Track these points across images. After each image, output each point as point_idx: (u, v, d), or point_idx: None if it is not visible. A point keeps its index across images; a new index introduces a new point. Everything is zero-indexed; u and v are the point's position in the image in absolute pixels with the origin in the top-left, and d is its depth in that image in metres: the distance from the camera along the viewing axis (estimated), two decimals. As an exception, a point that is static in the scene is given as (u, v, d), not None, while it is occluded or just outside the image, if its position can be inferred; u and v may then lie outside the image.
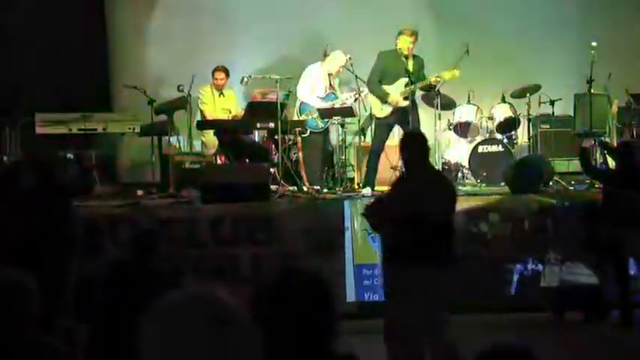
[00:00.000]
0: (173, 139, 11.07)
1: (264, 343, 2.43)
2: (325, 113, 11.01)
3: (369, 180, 10.51)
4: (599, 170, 9.99)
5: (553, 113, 11.81)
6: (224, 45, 12.63)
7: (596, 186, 9.93)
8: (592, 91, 10.59)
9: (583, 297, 8.83)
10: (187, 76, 10.80)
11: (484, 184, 10.99)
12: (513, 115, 11.55)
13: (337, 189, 10.61)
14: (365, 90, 10.76)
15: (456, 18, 12.75)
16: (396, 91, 10.36)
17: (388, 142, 10.73)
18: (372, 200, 7.60)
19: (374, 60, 10.64)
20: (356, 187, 10.98)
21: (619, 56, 12.10)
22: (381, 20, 11.94)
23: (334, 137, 11.38)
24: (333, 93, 11.24)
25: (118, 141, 12.22)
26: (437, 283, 6.44)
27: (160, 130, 11.08)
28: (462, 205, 9.36)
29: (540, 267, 9.23)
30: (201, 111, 11.49)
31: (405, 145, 6.83)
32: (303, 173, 11.02)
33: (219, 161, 11.16)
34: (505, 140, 11.48)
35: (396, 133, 10.74)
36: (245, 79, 11.18)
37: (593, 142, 10.65)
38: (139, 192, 10.77)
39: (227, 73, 11.48)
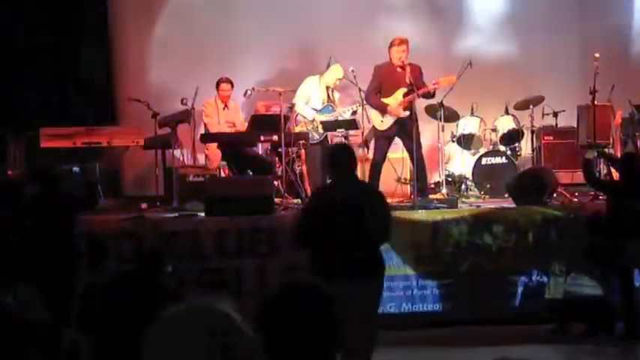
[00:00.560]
0: (177, 152, 11.08)
1: (267, 355, 2.43)
2: (328, 126, 11.02)
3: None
4: (602, 182, 9.98)
5: (556, 125, 11.81)
6: (227, 58, 12.65)
7: (600, 197, 9.92)
8: (595, 102, 10.59)
9: (588, 308, 8.81)
10: (191, 89, 10.83)
11: (488, 196, 10.99)
12: (517, 127, 11.56)
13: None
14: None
15: (458, 30, 12.77)
16: (395, 102, 10.35)
17: (390, 155, 10.74)
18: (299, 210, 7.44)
19: (376, 72, 10.64)
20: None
21: (622, 67, 12.12)
22: (383, 33, 11.95)
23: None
24: (331, 105, 11.26)
25: (122, 154, 12.23)
26: (363, 298, 6.23)
27: (164, 144, 11.10)
28: (466, 216, 9.40)
29: (544, 278, 9.21)
30: (205, 124, 11.50)
31: (331, 158, 6.76)
32: (306, 186, 11.03)
33: (222, 174, 11.17)
34: (509, 152, 11.48)
35: (399, 146, 10.76)
36: (248, 92, 11.20)
37: (596, 153, 10.63)
38: (143, 205, 10.79)
39: (232, 85, 11.51)
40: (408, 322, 9.17)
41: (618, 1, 13.29)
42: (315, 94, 11.28)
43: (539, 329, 8.88)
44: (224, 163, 11.26)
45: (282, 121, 10.47)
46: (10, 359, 3.53)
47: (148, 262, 6.35)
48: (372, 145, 11.48)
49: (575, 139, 11.28)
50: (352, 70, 10.71)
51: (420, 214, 9.41)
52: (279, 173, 10.74)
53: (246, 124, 11.25)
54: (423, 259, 9.28)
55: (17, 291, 3.75)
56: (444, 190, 10.79)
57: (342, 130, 10.91)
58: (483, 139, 11.70)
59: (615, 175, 10.11)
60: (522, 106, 11.61)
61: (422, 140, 10.54)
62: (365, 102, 10.59)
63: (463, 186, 11.59)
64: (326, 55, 11.50)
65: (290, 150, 10.87)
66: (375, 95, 10.48)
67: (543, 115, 11.69)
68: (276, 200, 10.15)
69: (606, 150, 10.68)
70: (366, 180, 10.62)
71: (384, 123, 10.47)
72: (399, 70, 10.32)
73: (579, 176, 10.38)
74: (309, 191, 10.86)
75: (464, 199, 10.81)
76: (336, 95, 11.43)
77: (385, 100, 10.40)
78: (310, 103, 11.25)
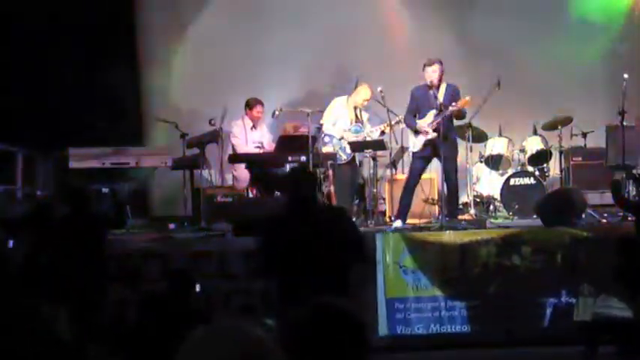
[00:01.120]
0: (205, 173, 11.12)
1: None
2: (356, 146, 11.03)
3: (402, 213, 10.48)
4: (631, 202, 9.90)
5: (585, 145, 11.77)
6: (255, 78, 12.70)
7: (629, 218, 9.85)
8: (624, 123, 10.53)
9: (617, 331, 8.72)
10: (219, 110, 10.88)
11: (516, 217, 10.94)
12: (545, 148, 11.52)
13: (369, 222, 10.59)
14: (395, 121, 10.78)
15: (486, 51, 12.76)
16: (424, 123, 10.34)
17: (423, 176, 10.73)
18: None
19: (405, 93, 10.64)
20: (387, 220, 10.97)
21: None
22: (412, 54, 11.98)
23: (366, 170, 11.39)
24: (359, 126, 11.27)
25: (150, 175, 12.28)
26: None
27: (192, 164, 11.13)
28: (494, 237, 9.36)
29: (573, 300, 9.15)
30: (233, 145, 11.54)
31: (293, 181, 6.64)
32: (334, 206, 11.02)
33: (250, 195, 11.19)
34: (537, 173, 11.43)
35: (428, 167, 10.73)
36: (276, 113, 11.22)
37: (625, 174, 10.57)
38: (171, 225, 10.82)
39: (263, 105, 11.57)
40: (436, 343, 9.13)
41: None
42: (342, 114, 11.30)
43: (568, 351, 8.80)
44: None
45: (310, 141, 10.49)
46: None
47: (177, 282, 6.38)
48: (399, 165, 11.49)
49: (603, 160, 11.23)
50: (381, 91, 10.71)
51: (448, 235, 9.37)
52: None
53: (274, 144, 11.28)
54: (451, 281, 9.25)
55: (46, 309, 3.78)
56: (472, 211, 10.77)
57: (370, 150, 10.90)
58: (511, 160, 11.67)
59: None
60: (551, 126, 11.57)
61: (451, 160, 10.52)
62: (404, 123, 10.61)
63: (491, 206, 11.56)
64: (353, 76, 11.52)
65: (318, 170, 10.87)
66: (411, 116, 10.48)
67: (572, 135, 11.66)
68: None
69: (635, 171, 10.63)
70: (397, 199, 10.63)
71: (415, 145, 10.45)
72: (430, 90, 10.31)
73: (608, 197, 10.32)
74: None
75: (492, 220, 10.78)
76: (365, 115, 11.44)
77: (418, 122, 10.40)
78: (338, 123, 11.27)
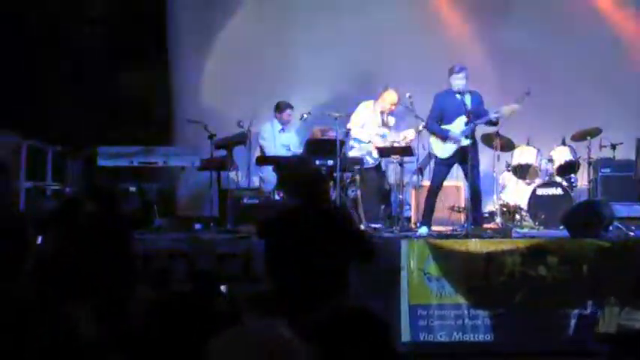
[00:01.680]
0: (232, 174, 11.14)
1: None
2: (384, 151, 11.03)
3: (426, 219, 10.48)
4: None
5: (614, 157, 11.71)
6: (284, 81, 12.74)
7: (658, 231, 9.81)
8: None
9: (642, 344, 8.68)
10: (248, 112, 10.91)
11: (542, 227, 10.90)
12: (573, 159, 11.47)
13: (394, 228, 10.59)
14: (421, 127, 10.77)
15: (516, 60, 12.74)
16: (457, 129, 10.32)
17: (445, 183, 10.70)
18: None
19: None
20: (413, 226, 10.96)
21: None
22: (441, 60, 11.96)
23: (392, 176, 11.39)
24: (386, 130, 11.29)
25: (177, 175, 12.33)
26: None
27: (220, 165, 11.17)
28: (520, 247, 9.33)
29: (599, 311, 9.11)
30: (261, 147, 11.57)
31: (292, 183, 6.56)
32: (360, 211, 11.03)
33: (277, 197, 11.22)
34: (565, 183, 11.39)
35: (453, 173, 10.72)
36: (305, 116, 11.24)
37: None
38: (197, 225, 10.86)
39: (293, 109, 11.60)
40: (458, 351, 9.11)
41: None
42: (369, 119, 11.31)
43: (592, 363, 8.78)
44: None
45: (339, 145, 10.50)
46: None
47: (202, 283, 6.39)
48: (426, 171, 11.47)
49: (632, 173, 11.18)
50: (409, 96, 10.67)
51: (474, 244, 9.35)
52: (334, 198, 10.75)
53: (302, 148, 11.30)
54: (476, 289, 9.22)
55: (71, 308, 3.80)
56: (498, 220, 10.74)
57: (397, 156, 10.90)
58: (539, 170, 11.63)
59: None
60: (579, 137, 11.52)
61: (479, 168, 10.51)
62: (427, 129, 10.59)
63: (517, 216, 11.52)
64: (383, 80, 11.52)
65: (344, 175, 10.88)
66: (436, 123, 10.46)
67: (601, 147, 11.60)
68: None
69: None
70: (422, 205, 10.62)
71: (445, 151, 10.42)
72: (458, 97, 10.28)
73: (636, 209, 10.28)
74: (362, 217, 10.86)
75: (518, 229, 10.74)
76: (392, 120, 11.44)
77: (446, 127, 10.39)
78: (365, 128, 11.29)
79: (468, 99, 10.28)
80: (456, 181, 10.97)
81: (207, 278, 6.54)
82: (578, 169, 11.54)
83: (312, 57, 12.90)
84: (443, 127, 10.39)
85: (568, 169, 11.50)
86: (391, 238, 10.00)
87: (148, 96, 12.70)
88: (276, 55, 12.95)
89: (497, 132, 10.73)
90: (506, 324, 9.20)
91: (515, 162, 11.58)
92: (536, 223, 11.01)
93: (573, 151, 11.56)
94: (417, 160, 11.11)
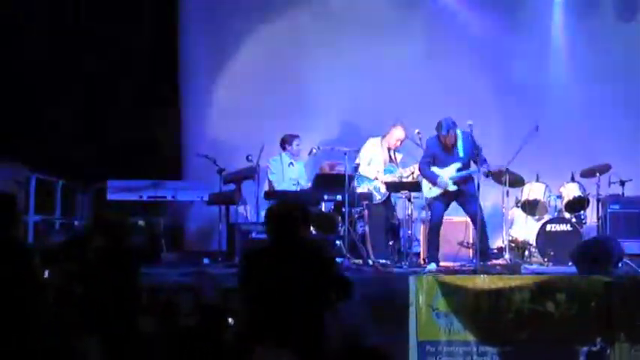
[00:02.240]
0: (240, 209, 11.14)
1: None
2: (392, 186, 11.03)
3: (431, 256, 10.49)
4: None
5: (623, 194, 11.69)
6: (293, 116, 12.78)
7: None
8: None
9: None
10: (256, 146, 10.93)
11: (551, 264, 10.87)
12: (582, 195, 11.46)
13: (403, 263, 10.57)
14: (410, 172, 10.88)
15: (523, 96, 12.78)
16: (448, 174, 10.46)
17: (454, 218, 10.70)
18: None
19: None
20: (421, 262, 10.93)
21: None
22: (450, 95, 12.01)
23: (400, 211, 11.38)
24: (393, 166, 11.30)
25: (186, 209, 12.35)
26: None
27: (228, 200, 11.18)
28: (528, 283, 9.29)
29: (608, 349, 9.06)
30: (270, 181, 11.58)
31: (275, 217, 6.33)
32: (368, 246, 11.01)
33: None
34: (574, 220, 11.37)
35: (460, 210, 10.73)
36: (314, 151, 11.25)
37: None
38: (205, 260, 10.85)
39: (299, 137, 11.64)
40: (466, 388, 9.07)
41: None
42: (376, 155, 11.32)
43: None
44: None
45: (347, 180, 10.50)
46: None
47: (209, 316, 6.37)
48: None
49: (641, 209, 11.17)
50: (418, 132, 10.72)
51: (482, 280, 9.32)
52: (342, 233, 10.74)
53: (310, 182, 11.31)
54: (484, 325, 9.18)
55: (79, 341, 3.80)
56: (507, 256, 10.71)
57: (406, 191, 10.90)
58: (548, 206, 11.61)
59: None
60: (589, 173, 11.51)
61: (487, 204, 10.55)
62: (419, 170, 10.66)
63: (526, 252, 11.49)
64: (394, 115, 11.54)
65: (353, 210, 10.87)
66: (427, 167, 10.55)
67: (610, 183, 11.58)
68: (338, 260, 10.12)
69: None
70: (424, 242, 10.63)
71: (432, 191, 10.56)
72: (449, 145, 10.43)
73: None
74: (370, 252, 10.85)
75: (527, 265, 10.71)
76: (399, 156, 11.46)
77: (437, 171, 10.48)
78: (372, 164, 11.30)
79: (460, 148, 10.39)
80: (464, 216, 10.96)
81: (215, 312, 6.50)
82: (588, 205, 11.52)
83: (322, 92, 12.95)
84: (435, 169, 10.50)
85: (577, 205, 11.48)
86: (400, 273, 9.97)
87: (157, 130, 12.74)
88: (285, 90, 13.00)
89: (507, 168, 10.73)
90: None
91: (524, 198, 11.57)
92: (545, 260, 10.97)
93: (582, 187, 11.55)
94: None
